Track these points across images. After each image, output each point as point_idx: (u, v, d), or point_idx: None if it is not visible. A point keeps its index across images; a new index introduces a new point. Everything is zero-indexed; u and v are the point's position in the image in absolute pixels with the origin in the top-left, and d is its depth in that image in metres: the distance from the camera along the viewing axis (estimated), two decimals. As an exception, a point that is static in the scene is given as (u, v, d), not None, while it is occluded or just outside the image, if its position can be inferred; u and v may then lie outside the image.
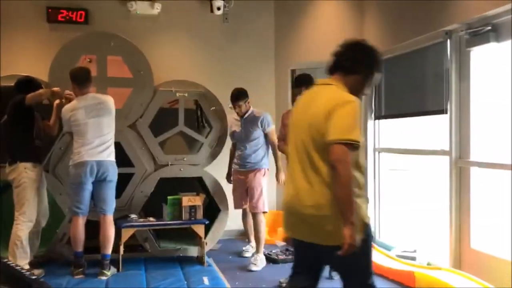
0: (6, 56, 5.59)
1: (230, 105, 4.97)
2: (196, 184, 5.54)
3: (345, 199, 2.29)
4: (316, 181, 2.38)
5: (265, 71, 6.38)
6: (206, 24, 6.19)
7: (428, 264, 4.53)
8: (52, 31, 5.76)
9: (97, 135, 4.41)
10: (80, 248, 4.42)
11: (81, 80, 4.39)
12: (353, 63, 2.54)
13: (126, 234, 4.63)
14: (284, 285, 4.23)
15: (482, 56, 4.26)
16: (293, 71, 6.35)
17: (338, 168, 2.27)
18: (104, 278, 4.33)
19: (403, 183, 5.92)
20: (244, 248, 5.26)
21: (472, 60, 4.31)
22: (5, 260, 3.18)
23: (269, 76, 6.39)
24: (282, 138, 4.37)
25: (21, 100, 4.35)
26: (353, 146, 2.32)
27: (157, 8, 5.90)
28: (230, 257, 5.24)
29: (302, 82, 4.34)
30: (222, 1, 6.01)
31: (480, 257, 4.14)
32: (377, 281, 4.19)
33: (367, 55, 2.59)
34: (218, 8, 6.01)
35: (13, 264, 3.01)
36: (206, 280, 4.22)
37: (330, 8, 6.09)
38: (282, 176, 4.94)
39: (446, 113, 4.51)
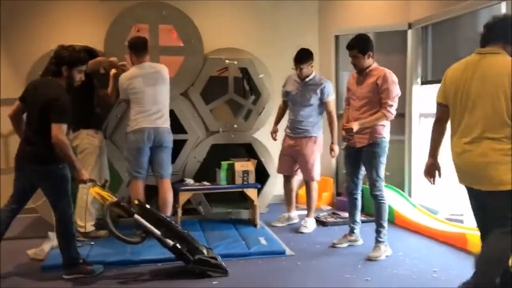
0: (58, 27, 5.76)
1: (293, 66, 4.93)
2: (242, 151, 5.69)
3: None
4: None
5: (308, 37, 6.37)
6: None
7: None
8: (101, 0, 5.86)
9: (153, 103, 4.56)
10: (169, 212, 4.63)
11: (139, 48, 4.51)
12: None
13: (184, 197, 4.83)
14: (337, 245, 4.39)
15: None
16: (336, 37, 6.35)
17: None
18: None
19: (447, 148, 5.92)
20: (302, 222, 5.10)
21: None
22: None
23: (313, 42, 6.38)
24: (347, 102, 4.39)
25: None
26: None
27: (202, -27, 5.93)
28: (274, 220, 5.38)
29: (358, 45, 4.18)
30: (268, -33, 5.99)
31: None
32: (429, 244, 4.36)
33: None
34: (264, -26, 6.00)
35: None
36: (262, 240, 4.40)
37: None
38: (336, 148, 4.98)
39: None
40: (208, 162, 5.24)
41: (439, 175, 3.28)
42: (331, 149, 5.00)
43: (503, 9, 4.42)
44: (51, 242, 4.21)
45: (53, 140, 3.41)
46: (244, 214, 5.35)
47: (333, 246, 4.40)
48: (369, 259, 4.02)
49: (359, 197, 4.36)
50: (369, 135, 4.10)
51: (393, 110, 4.02)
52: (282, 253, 4.18)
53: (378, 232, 4.12)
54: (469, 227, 4.48)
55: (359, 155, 4.18)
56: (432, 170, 3.27)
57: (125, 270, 3.84)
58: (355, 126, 4.03)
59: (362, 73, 4.16)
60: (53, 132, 3.41)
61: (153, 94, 4.56)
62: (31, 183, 3.65)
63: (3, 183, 5.22)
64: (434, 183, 3.31)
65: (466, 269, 3.69)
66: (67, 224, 3.63)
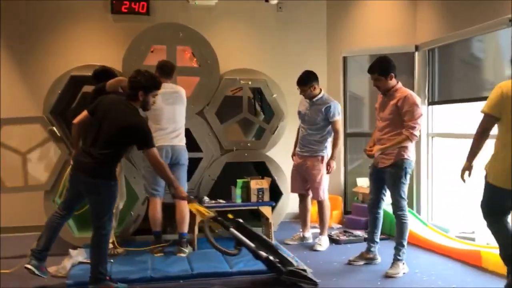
0: (73, 46, 5.88)
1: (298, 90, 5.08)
2: (251, 168, 5.77)
3: None
4: None
5: (317, 58, 6.53)
6: (261, 13, 6.38)
7: (488, 244, 4.69)
8: (115, 21, 6.00)
9: (171, 121, 4.67)
10: (158, 228, 4.70)
11: (167, 71, 4.71)
12: None
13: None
14: (354, 263, 4.45)
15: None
16: (344, 58, 6.51)
17: None
18: (183, 255, 4.59)
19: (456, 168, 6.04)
20: (316, 240, 5.17)
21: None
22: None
23: (322, 63, 6.54)
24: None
25: (102, 87, 4.59)
26: None
27: (215, -1, 6.10)
28: (287, 238, 5.42)
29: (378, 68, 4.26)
30: (279, -9, 6.18)
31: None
32: (443, 261, 4.43)
33: None
34: (275, -2, 6.18)
35: None
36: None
37: (382, -4, 6.22)
38: (333, 165, 5.07)
39: (509, 98, 4.64)
40: (221, 180, 5.32)
41: (469, 175, 3.60)
42: (328, 165, 5.08)
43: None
44: (72, 259, 4.25)
45: (152, 165, 3.76)
46: (256, 231, 5.39)
47: (349, 263, 4.47)
48: (388, 276, 4.09)
49: (380, 216, 4.41)
50: (392, 156, 4.18)
51: (416, 132, 4.09)
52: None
53: (397, 250, 4.19)
54: (482, 244, 4.58)
55: (382, 175, 4.26)
56: (469, 171, 3.58)
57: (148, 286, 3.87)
58: (377, 153, 4.17)
59: (386, 94, 4.27)
60: (150, 157, 3.70)
61: (171, 113, 4.66)
62: (80, 194, 3.73)
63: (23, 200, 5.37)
64: (465, 182, 3.62)
65: (483, 284, 3.80)
66: (102, 240, 3.69)
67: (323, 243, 5.07)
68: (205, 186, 5.28)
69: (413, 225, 5.29)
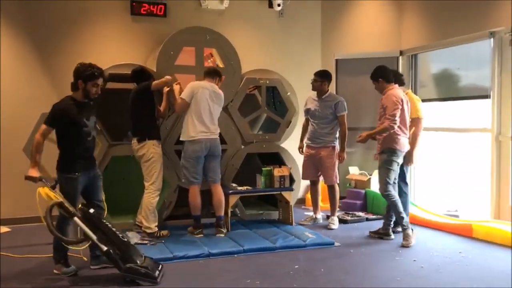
0: (94, 46, 6.23)
1: (312, 78, 5.82)
2: (255, 160, 6.41)
3: None
4: None
5: (312, 60, 7.27)
6: (265, 19, 7.02)
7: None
8: (134, 22, 6.40)
9: (212, 116, 5.23)
10: (199, 212, 5.23)
11: (212, 74, 5.32)
12: None
13: (233, 200, 5.48)
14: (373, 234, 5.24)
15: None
16: (337, 61, 7.30)
17: None
18: (222, 235, 5.15)
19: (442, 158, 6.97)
20: (329, 220, 5.84)
21: (512, 56, 5.42)
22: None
23: (316, 65, 7.26)
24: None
25: (148, 86, 5.06)
26: None
27: (225, 3, 6.64)
28: (301, 220, 6.11)
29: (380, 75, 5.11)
30: (281, -1, 6.84)
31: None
32: (440, 234, 5.30)
33: None
34: (279, 5, 6.84)
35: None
36: (310, 235, 5.14)
37: (371, 4, 7.07)
38: (344, 156, 5.83)
39: (489, 97, 5.62)
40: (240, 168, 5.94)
41: None
42: (339, 156, 5.84)
43: (492, 44, 5.56)
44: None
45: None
46: (274, 215, 6.08)
47: (370, 235, 5.26)
48: (404, 246, 4.90)
49: (393, 198, 5.03)
50: (381, 145, 5.05)
51: (393, 122, 4.87)
52: (332, 244, 4.96)
53: (400, 223, 5.00)
54: (471, 219, 5.50)
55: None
56: None
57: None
58: (363, 137, 5.05)
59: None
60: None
61: (213, 109, 5.24)
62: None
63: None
64: None
65: (481, 251, 4.69)
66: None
67: (335, 222, 5.82)
68: (229, 174, 5.85)
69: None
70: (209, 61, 6.21)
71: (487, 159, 5.68)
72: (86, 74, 3.99)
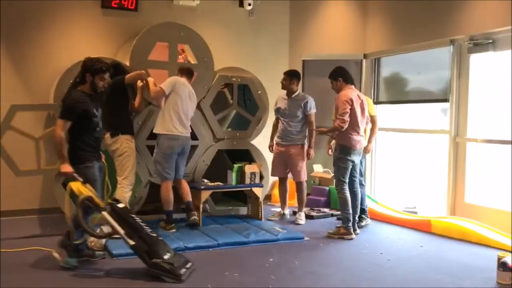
0: (63, 39, 6.13)
1: (281, 77, 6.02)
2: (223, 155, 6.51)
3: None
4: None
5: (280, 60, 7.45)
6: (235, 18, 7.13)
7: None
8: (104, 16, 6.34)
9: (187, 114, 5.33)
10: (171, 207, 5.28)
11: (189, 73, 5.42)
12: None
13: (204, 195, 5.56)
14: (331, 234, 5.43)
15: (478, 59, 5.73)
16: (304, 61, 7.50)
17: None
18: (195, 217, 5.29)
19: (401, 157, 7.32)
20: (296, 216, 6.05)
21: (471, 62, 5.78)
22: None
23: (284, 65, 7.44)
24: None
25: (121, 80, 5.06)
26: None
27: (197, 1, 6.69)
28: (269, 215, 6.28)
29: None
30: (252, -2, 6.96)
31: (473, 209, 5.67)
32: (401, 230, 5.60)
33: None
34: (249, 4, 6.96)
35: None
36: (280, 229, 5.30)
37: (337, 8, 7.33)
38: (312, 153, 6.05)
39: (448, 101, 5.98)
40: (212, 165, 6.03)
41: None
42: (308, 153, 6.04)
43: (451, 50, 5.92)
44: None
45: (53, 136, 4.05)
46: (242, 210, 6.20)
47: (328, 235, 5.41)
48: (330, 235, 5.27)
49: (343, 195, 5.27)
50: (335, 142, 5.39)
51: (341, 122, 5.12)
52: (302, 238, 5.15)
53: (345, 219, 5.26)
54: (430, 216, 5.84)
55: None
56: None
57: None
58: (316, 132, 5.67)
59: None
60: (56, 127, 4.01)
61: (189, 107, 5.34)
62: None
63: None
64: None
65: (441, 245, 5.01)
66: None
67: (303, 218, 6.01)
68: (200, 170, 5.93)
69: (369, 203, 6.47)
70: (180, 57, 6.24)
71: (443, 159, 6.04)
72: (94, 68, 4.11)
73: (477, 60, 5.76)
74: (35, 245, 4.59)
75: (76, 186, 3.94)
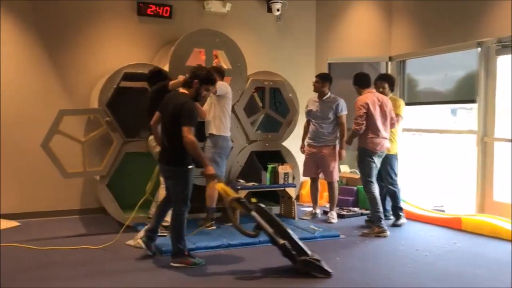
0: (101, 43, 6.38)
1: (313, 79, 6.26)
2: (253, 157, 6.69)
3: None
4: None
5: (307, 63, 7.65)
6: (263, 23, 7.35)
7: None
8: (140, 23, 6.58)
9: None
10: (214, 205, 5.50)
11: (222, 75, 5.64)
12: None
13: (242, 195, 5.72)
14: (365, 233, 5.57)
15: (505, 60, 5.88)
16: (330, 64, 7.69)
17: None
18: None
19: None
20: (328, 215, 6.22)
21: (498, 64, 5.93)
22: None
23: (310, 68, 7.65)
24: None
25: (165, 85, 5.27)
26: None
27: (228, 7, 6.92)
28: (301, 215, 6.46)
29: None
30: (281, 4, 7.15)
31: (502, 206, 5.81)
32: (432, 227, 5.76)
33: None
34: (278, 10, 7.16)
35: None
36: (316, 228, 5.48)
37: (362, 11, 7.51)
38: (344, 153, 6.22)
39: (476, 102, 6.13)
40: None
41: None
42: (339, 154, 6.22)
43: (478, 52, 6.07)
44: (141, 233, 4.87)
45: (185, 142, 4.09)
46: (275, 210, 6.39)
47: (363, 234, 5.57)
48: (365, 235, 5.42)
49: (371, 194, 5.46)
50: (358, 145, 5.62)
51: (356, 125, 5.39)
52: (338, 236, 5.33)
53: (375, 218, 5.43)
54: (459, 214, 5.98)
55: None
56: None
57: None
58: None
59: None
60: (185, 134, 4.07)
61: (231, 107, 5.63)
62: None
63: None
64: None
65: (474, 241, 5.16)
66: (177, 219, 4.33)
67: (334, 217, 6.19)
68: (235, 171, 6.13)
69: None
70: (213, 61, 6.46)
71: (471, 159, 6.19)
72: (205, 77, 4.31)
73: (504, 62, 5.91)
74: (83, 244, 4.85)
75: (221, 187, 4.28)
